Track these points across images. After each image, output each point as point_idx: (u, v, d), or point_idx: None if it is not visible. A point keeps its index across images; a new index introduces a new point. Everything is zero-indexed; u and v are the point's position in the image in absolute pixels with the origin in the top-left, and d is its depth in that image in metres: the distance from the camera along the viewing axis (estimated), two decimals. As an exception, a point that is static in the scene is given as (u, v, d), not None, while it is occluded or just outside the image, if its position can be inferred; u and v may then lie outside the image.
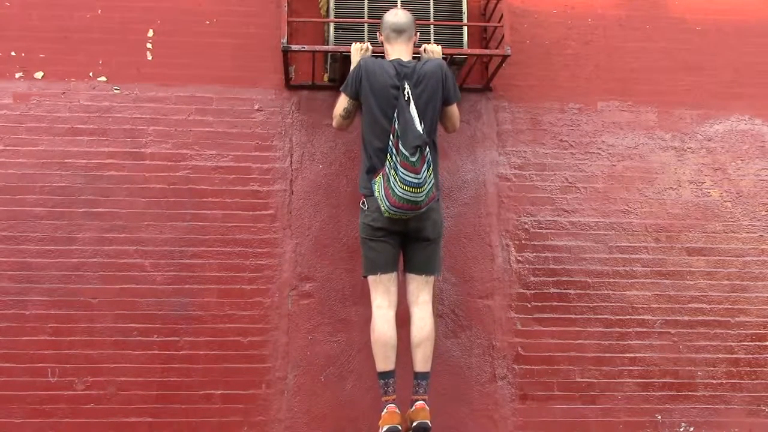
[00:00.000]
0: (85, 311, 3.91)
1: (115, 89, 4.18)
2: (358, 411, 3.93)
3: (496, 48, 4.07)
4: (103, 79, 4.18)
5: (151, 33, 4.24)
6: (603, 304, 4.18)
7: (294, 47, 3.94)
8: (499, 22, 4.07)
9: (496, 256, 4.18)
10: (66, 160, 4.06)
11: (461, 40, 4.02)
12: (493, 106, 4.35)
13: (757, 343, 4.21)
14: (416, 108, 3.28)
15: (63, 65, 4.16)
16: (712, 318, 4.21)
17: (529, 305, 4.14)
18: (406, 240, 3.45)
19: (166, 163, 4.11)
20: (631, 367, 4.12)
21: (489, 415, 4.01)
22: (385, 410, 3.27)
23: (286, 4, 3.91)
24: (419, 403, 3.30)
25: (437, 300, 4.04)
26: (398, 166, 3.20)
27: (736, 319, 4.23)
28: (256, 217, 4.10)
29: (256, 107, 4.23)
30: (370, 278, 3.46)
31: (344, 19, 3.95)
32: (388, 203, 3.27)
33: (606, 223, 4.27)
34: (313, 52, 4.03)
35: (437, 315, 4.05)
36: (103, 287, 3.94)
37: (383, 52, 3.74)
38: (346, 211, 4.14)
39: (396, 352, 3.37)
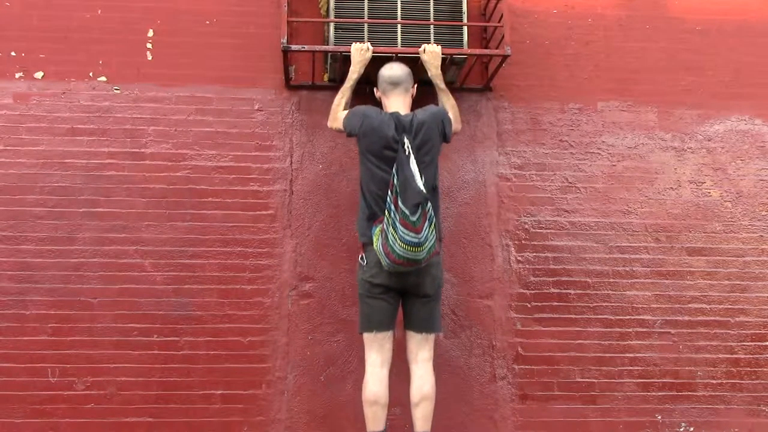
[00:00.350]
0: (85, 311, 3.91)
1: (115, 89, 4.18)
2: (358, 411, 3.91)
3: (496, 48, 4.07)
4: (103, 79, 4.18)
5: (151, 33, 4.24)
6: (603, 304, 4.18)
7: (294, 47, 3.94)
8: (499, 22, 4.07)
9: (496, 256, 4.18)
10: (66, 160, 4.06)
11: (461, 40, 4.01)
12: (493, 106, 4.35)
13: (757, 343, 4.21)
14: (416, 161, 3.21)
15: (63, 65, 4.16)
16: (712, 318, 4.21)
17: (529, 305, 4.14)
18: (404, 296, 3.37)
19: (166, 163, 4.11)
20: (631, 367, 4.12)
21: (489, 415, 4.01)
22: None
23: (286, 4, 3.91)
24: None
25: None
26: (397, 224, 3.10)
27: (736, 319, 4.23)
28: (256, 217, 4.10)
29: (256, 107, 4.23)
30: (365, 335, 3.39)
31: (344, 19, 3.95)
32: (387, 260, 3.18)
33: (606, 223, 4.27)
34: (313, 52, 4.03)
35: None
36: (103, 287, 3.94)
37: (383, 53, 3.74)
38: (346, 211, 4.14)
39: (386, 412, 3.34)
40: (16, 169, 4.03)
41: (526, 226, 4.23)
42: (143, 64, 4.21)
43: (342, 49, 3.89)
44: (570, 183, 4.30)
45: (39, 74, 4.15)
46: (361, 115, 3.46)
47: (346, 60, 3.95)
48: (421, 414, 3.33)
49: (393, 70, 3.59)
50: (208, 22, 4.28)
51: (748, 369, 4.17)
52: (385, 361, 3.36)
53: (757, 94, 4.51)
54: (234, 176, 4.13)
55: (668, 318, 4.19)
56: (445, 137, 3.51)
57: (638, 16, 4.54)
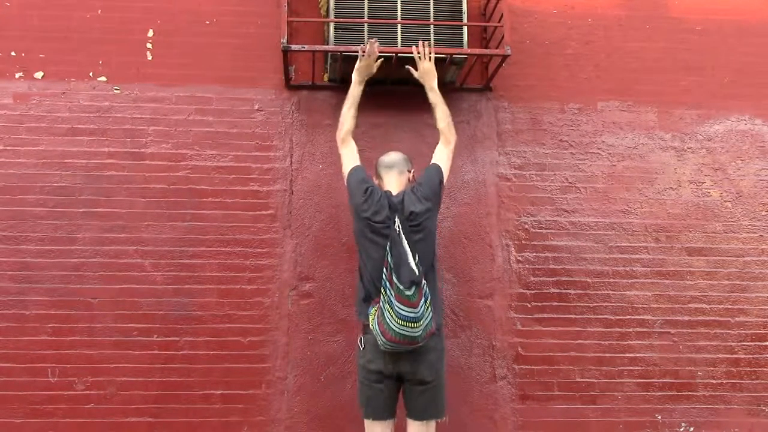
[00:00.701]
0: (85, 311, 3.92)
1: (115, 89, 4.18)
2: (358, 412, 3.92)
3: (496, 48, 4.07)
4: (103, 79, 4.18)
5: (151, 33, 4.24)
6: (603, 304, 4.18)
7: (294, 47, 3.94)
8: (499, 22, 4.07)
9: (496, 256, 4.18)
10: (66, 160, 4.06)
11: (461, 40, 4.01)
12: (493, 106, 4.35)
13: (757, 343, 4.21)
14: (408, 242, 3.17)
15: (63, 65, 4.16)
16: (712, 318, 4.21)
17: (529, 305, 4.14)
18: (403, 382, 3.26)
19: (166, 163, 4.11)
20: (631, 367, 4.12)
21: (489, 415, 4.01)
22: None
23: (286, 4, 3.91)
24: None
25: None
26: (393, 300, 3.05)
27: (736, 319, 4.23)
28: (256, 217, 4.10)
29: (256, 107, 4.23)
30: (365, 421, 3.29)
31: (344, 19, 3.95)
32: (384, 339, 3.09)
33: (606, 223, 4.27)
34: (313, 52, 4.03)
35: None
36: (103, 287, 3.94)
37: (383, 53, 3.74)
38: (346, 211, 4.13)
39: None
40: (16, 169, 4.03)
41: (526, 226, 4.23)
42: (143, 64, 4.21)
43: (342, 49, 3.89)
44: (570, 183, 4.30)
45: (39, 74, 4.15)
46: (364, 187, 3.39)
47: (346, 60, 3.95)
48: None
49: (389, 156, 3.57)
50: (208, 22, 4.28)
51: (748, 369, 4.17)
52: None
53: (757, 94, 4.51)
54: (234, 176, 4.13)
55: (668, 318, 4.19)
56: (438, 191, 3.43)
57: (638, 16, 4.54)
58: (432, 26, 3.99)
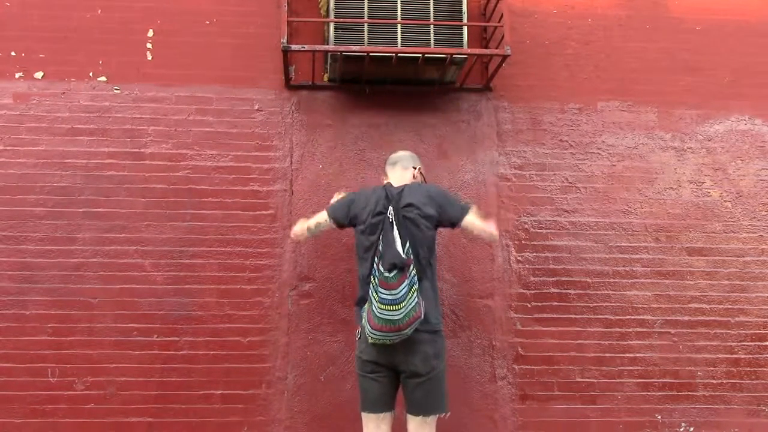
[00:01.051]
0: (85, 311, 3.91)
1: (115, 89, 4.18)
2: (358, 411, 3.92)
3: (496, 48, 4.07)
4: (103, 79, 4.18)
5: (151, 33, 4.24)
6: (603, 304, 4.18)
7: (294, 47, 3.94)
8: (499, 22, 4.06)
9: (496, 256, 4.18)
10: (66, 160, 4.06)
11: (461, 40, 4.01)
12: (493, 106, 4.35)
13: (757, 343, 4.21)
14: (399, 231, 3.15)
15: (63, 65, 4.16)
16: (712, 318, 4.21)
17: (529, 305, 4.14)
18: (399, 375, 3.22)
19: (166, 163, 4.11)
20: (631, 367, 4.12)
21: (489, 415, 4.01)
22: None
23: (286, 4, 3.91)
24: None
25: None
26: (378, 287, 3.06)
27: (736, 319, 4.23)
28: (256, 217, 4.10)
29: (256, 107, 4.23)
30: (362, 414, 3.28)
31: (344, 19, 3.95)
32: (369, 327, 3.09)
33: (606, 223, 4.27)
34: (313, 52, 4.03)
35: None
36: (103, 287, 3.94)
37: (383, 52, 3.74)
38: (346, 211, 4.13)
39: None
40: (16, 169, 4.03)
41: (526, 226, 4.23)
42: (143, 64, 4.21)
43: (342, 49, 3.89)
44: (570, 183, 4.30)
45: (39, 74, 4.15)
46: (347, 203, 3.41)
47: (346, 60, 3.95)
48: None
49: (395, 153, 3.62)
50: (208, 22, 4.28)
51: (748, 369, 4.17)
52: None
53: (757, 94, 4.51)
54: (234, 176, 4.13)
55: (668, 318, 4.19)
56: (449, 217, 3.31)
57: (638, 16, 4.54)
58: (432, 26, 3.99)
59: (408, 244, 3.14)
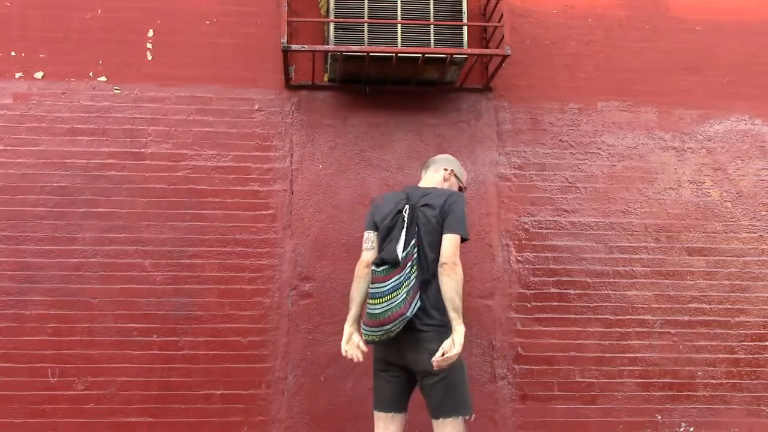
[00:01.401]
0: (85, 311, 3.91)
1: (115, 89, 4.18)
2: (358, 411, 3.93)
3: (496, 48, 4.07)
4: (103, 79, 4.18)
5: (151, 33, 4.24)
6: (603, 304, 4.18)
7: (294, 47, 3.94)
8: (499, 22, 4.07)
9: (496, 256, 4.18)
10: (66, 160, 4.06)
11: (461, 40, 4.01)
12: (493, 106, 4.35)
13: (757, 343, 4.21)
14: (408, 230, 3.08)
15: (63, 65, 4.16)
16: (712, 318, 4.21)
17: (529, 305, 4.14)
18: (414, 377, 3.13)
19: (166, 163, 4.11)
20: (631, 367, 4.12)
21: (489, 415, 4.01)
22: None
23: (286, 4, 3.91)
24: None
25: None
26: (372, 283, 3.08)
27: (736, 319, 4.23)
28: (256, 217, 4.10)
29: (256, 107, 4.23)
30: (374, 412, 3.20)
31: (344, 19, 3.95)
32: (363, 326, 3.07)
33: (606, 223, 4.27)
34: (313, 52, 4.03)
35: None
36: (103, 287, 3.94)
37: (383, 52, 3.72)
38: (346, 211, 4.14)
39: None
40: (16, 169, 4.03)
41: (526, 226, 4.23)
42: (143, 64, 4.21)
43: (342, 49, 3.89)
44: (570, 183, 4.30)
45: (39, 74, 4.15)
46: (372, 212, 3.30)
47: (346, 60, 3.95)
48: None
49: (433, 157, 3.49)
50: (208, 22, 4.28)
51: (748, 369, 4.17)
52: None
53: (757, 94, 4.51)
54: (234, 176, 4.13)
55: (668, 318, 4.19)
56: (444, 225, 3.14)
57: (638, 16, 4.54)
58: (432, 26, 3.99)
59: (412, 244, 3.07)
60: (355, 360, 3.14)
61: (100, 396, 3.85)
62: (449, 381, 3.03)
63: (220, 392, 3.91)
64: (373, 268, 3.09)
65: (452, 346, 2.92)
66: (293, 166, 4.19)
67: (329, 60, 4.14)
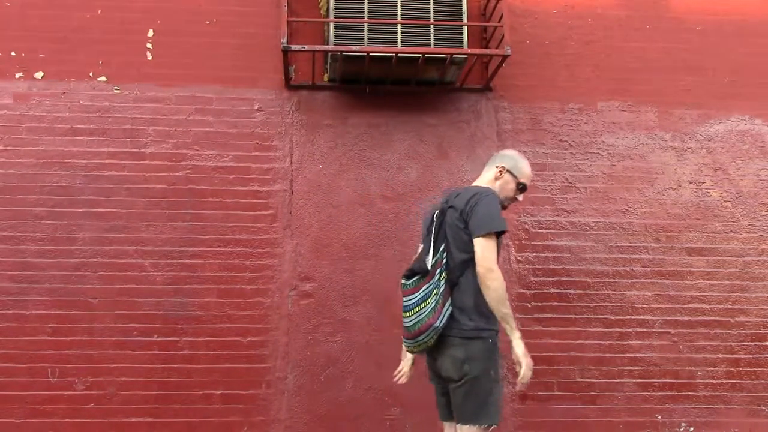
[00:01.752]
0: (85, 311, 3.91)
1: (115, 89, 4.18)
2: (358, 411, 3.93)
3: (496, 48, 4.07)
4: (103, 79, 4.18)
5: (151, 33, 4.24)
6: (603, 304, 4.17)
7: (294, 47, 3.94)
8: (499, 22, 4.07)
9: (496, 256, 4.17)
10: (66, 160, 4.06)
11: (461, 40, 4.01)
12: (493, 106, 4.35)
13: (757, 343, 4.21)
14: (437, 235, 3.03)
15: (63, 65, 4.16)
16: (712, 318, 4.21)
17: (529, 305, 4.13)
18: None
19: (166, 163, 4.11)
20: (631, 367, 4.12)
21: (489, 415, 4.00)
22: None
23: (286, 4, 3.91)
24: None
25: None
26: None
27: (736, 319, 4.23)
28: (256, 217, 4.10)
29: (256, 107, 4.23)
30: None
31: (344, 19, 3.95)
32: (403, 337, 3.06)
33: (606, 223, 4.27)
34: (313, 52, 4.03)
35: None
36: (103, 287, 3.94)
37: (383, 52, 3.72)
38: (346, 211, 4.14)
39: None
40: (16, 169, 4.03)
41: (526, 226, 4.23)
42: (143, 64, 4.21)
43: (342, 49, 3.89)
44: (570, 183, 4.30)
45: (39, 74, 4.15)
46: (423, 222, 3.26)
47: (346, 60, 3.95)
48: None
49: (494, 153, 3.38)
50: (208, 22, 4.28)
51: (748, 369, 4.17)
52: None
53: (757, 94, 4.51)
54: (234, 176, 4.13)
55: (668, 318, 4.19)
56: (469, 232, 3.01)
57: (638, 16, 4.54)
58: (432, 26, 3.99)
59: (441, 249, 3.01)
60: (400, 376, 3.18)
61: (100, 396, 3.85)
62: (470, 388, 2.95)
63: (220, 392, 3.91)
64: (403, 281, 3.03)
65: (519, 365, 2.91)
66: (293, 166, 4.19)
67: (329, 60, 4.14)
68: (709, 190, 4.38)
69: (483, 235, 2.91)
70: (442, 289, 2.96)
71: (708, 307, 4.22)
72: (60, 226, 3.99)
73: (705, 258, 4.28)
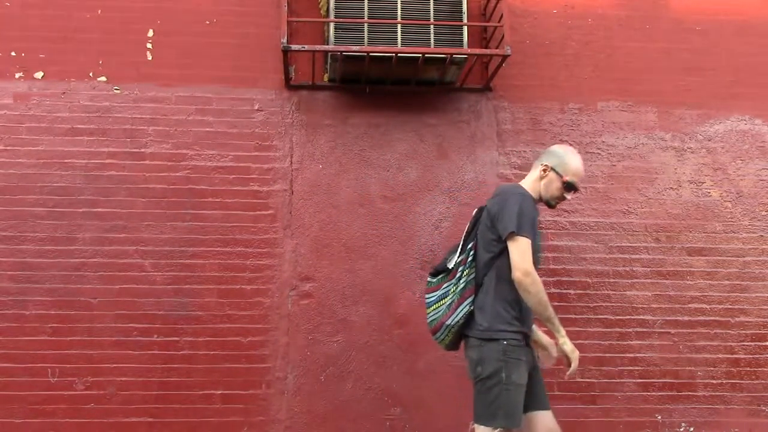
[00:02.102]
0: (85, 311, 3.91)
1: (115, 89, 4.18)
2: (358, 411, 3.93)
3: (496, 48, 4.07)
4: (103, 79, 4.18)
5: (151, 33, 4.24)
6: (603, 304, 4.17)
7: (294, 47, 3.94)
8: (499, 22, 4.07)
9: (496, 256, 4.17)
10: (66, 160, 4.06)
11: (461, 40, 4.01)
12: (493, 106, 4.35)
13: (757, 343, 4.21)
14: (468, 236, 3.05)
15: (63, 65, 4.16)
16: (712, 318, 4.21)
17: (529, 305, 4.13)
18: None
19: (166, 163, 4.11)
20: (631, 367, 4.12)
21: (489, 415, 4.00)
22: None
23: (286, 4, 3.91)
24: None
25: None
26: None
27: (736, 319, 4.23)
28: (256, 217, 4.10)
29: (256, 107, 4.23)
30: None
31: (344, 19, 3.95)
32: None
33: (606, 223, 4.27)
34: (313, 52, 4.03)
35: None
36: (103, 287, 3.94)
37: (383, 53, 3.71)
38: (346, 211, 4.14)
39: None
40: (16, 169, 4.03)
41: (526, 226, 4.22)
42: (143, 64, 4.21)
43: (342, 49, 3.89)
44: (570, 183, 4.30)
45: (39, 74, 4.15)
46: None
47: (346, 60, 3.95)
48: None
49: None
50: (208, 22, 4.28)
51: (748, 369, 4.17)
52: None
53: (757, 94, 4.51)
54: (234, 176, 4.13)
55: (668, 318, 4.19)
56: (498, 234, 2.96)
57: (638, 16, 4.54)
58: (432, 26, 3.99)
59: (469, 247, 3.02)
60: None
61: (100, 396, 3.85)
62: (480, 389, 2.93)
63: (220, 392, 3.91)
64: (429, 278, 3.06)
65: (569, 360, 2.96)
66: (293, 166, 4.19)
67: (329, 60, 4.14)
68: (709, 190, 4.38)
69: (513, 238, 2.87)
70: (460, 287, 2.97)
71: (708, 307, 4.22)
72: (60, 226, 3.99)
73: (705, 258, 4.28)
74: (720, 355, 4.18)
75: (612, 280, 4.20)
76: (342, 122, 4.25)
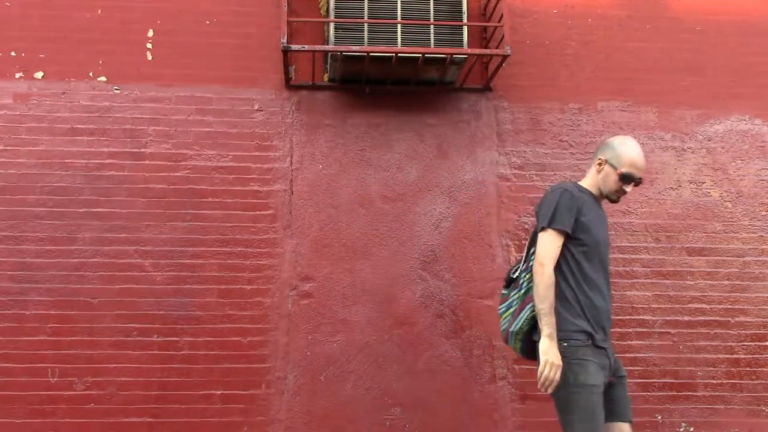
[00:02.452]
0: (85, 311, 3.91)
1: (115, 89, 4.18)
2: (358, 411, 3.93)
3: (496, 48, 4.07)
4: (103, 79, 4.18)
5: (151, 33, 4.24)
6: (603, 304, 4.17)
7: (294, 47, 3.94)
8: (499, 22, 4.07)
9: (496, 256, 4.17)
10: (66, 160, 4.06)
11: (461, 40, 4.01)
12: (493, 106, 4.35)
13: (757, 343, 4.21)
14: (531, 242, 3.03)
15: (63, 65, 4.16)
16: (712, 318, 4.21)
17: (529, 305, 4.13)
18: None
19: (166, 163, 4.11)
20: (631, 367, 4.11)
21: (489, 415, 4.01)
22: None
23: (286, 4, 3.91)
24: None
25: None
26: None
27: (736, 319, 4.23)
28: (256, 217, 4.10)
29: (256, 107, 4.23)
30: None
31: (344, 19, 3.95)
32: None
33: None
34: (313, 52, 4.03)
35: (439, 315, 4.06)
36: (103, 287, 3.94)
37: (383, 53, 3.72)
38: (346, 211, 4.14)
39: None
40: (16, 169, 4.03)
41: (526, 226, 4.23)
42: (143, 64, 4.21)
43: (342, 49, 3.89)
44: (570, 183, 4.30)
45: (39, 74, 4.15)
46: None
47: (346, 60, 3.95)
48: None
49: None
50: (208, 22, 4.28)
51: (748, 369, 4.17)
52: None
53: (757, 94, 4.51)
54: (234, 176, 4.13)
55: (668, 318, 4.19)
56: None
57: (638, 16, 4.54)
58: (432, 26, 3.99)
59: (530, 254, 2.96)
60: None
61: (100, 396, 3.85)
62: (556, 404, 2.84)
63: (220, 392, 3.91)
64: (502, 290, 3.07)
65: (540, 364, 2.76)
66: (293, 166, 4.19)
67: (329, 60, 4.14)
68: (709, 190, 4.38)
69: (544, 230, 2.88)
70: (522, 293, 2.95)
71: (708, 307, 4.22)
72: (60, 226, 3.99)
73: (705, 258, 4.28)
74: (720, 355, 4.18)
75: (612, 280, 4.19)
76: (342, 122, 4.25)
